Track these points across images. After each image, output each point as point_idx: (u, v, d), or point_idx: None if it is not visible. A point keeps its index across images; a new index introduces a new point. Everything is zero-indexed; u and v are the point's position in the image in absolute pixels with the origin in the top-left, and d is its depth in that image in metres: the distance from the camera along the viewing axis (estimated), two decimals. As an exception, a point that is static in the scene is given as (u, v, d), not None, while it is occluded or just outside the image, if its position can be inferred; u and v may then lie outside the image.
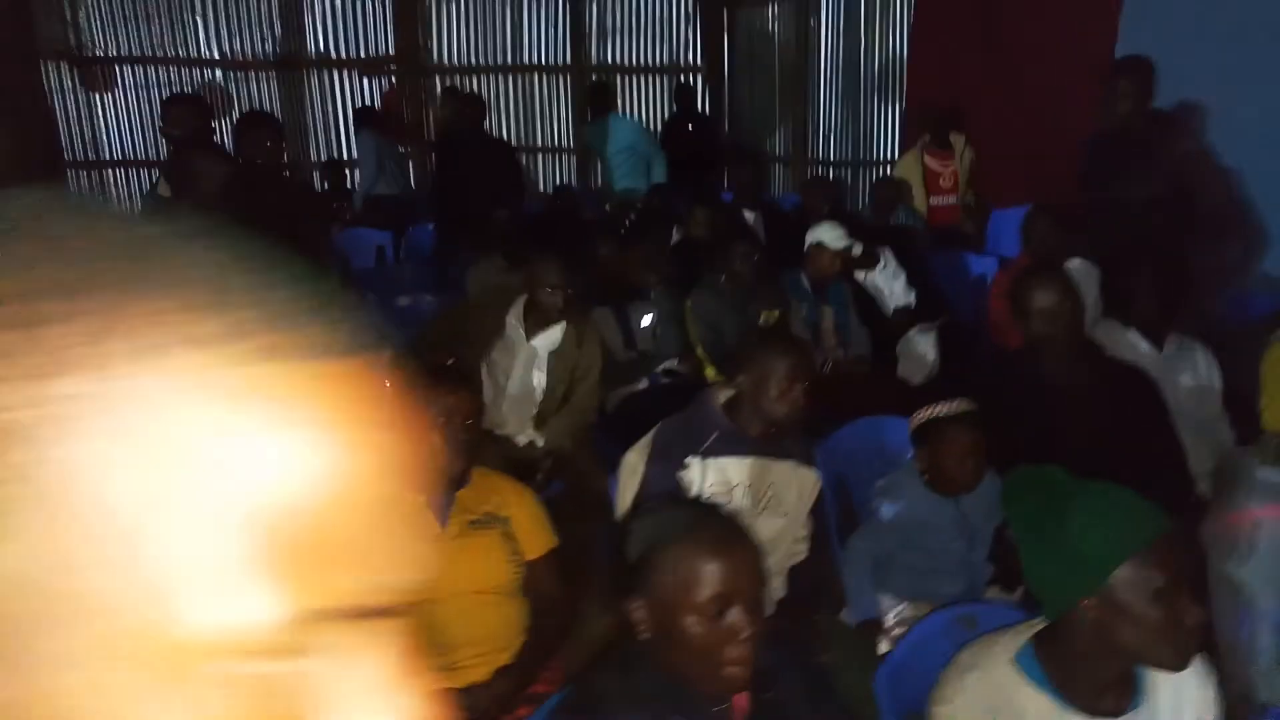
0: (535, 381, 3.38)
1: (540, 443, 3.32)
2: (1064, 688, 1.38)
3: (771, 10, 8.49)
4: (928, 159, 5.62)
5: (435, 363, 2.20)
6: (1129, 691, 1.41)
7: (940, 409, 2.38)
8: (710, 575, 1.21)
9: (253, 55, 7.88)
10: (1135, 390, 2.47)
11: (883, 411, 2.95)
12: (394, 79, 8.07)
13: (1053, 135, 5.24)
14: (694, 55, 8.94)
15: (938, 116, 5.66)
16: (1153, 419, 2.43)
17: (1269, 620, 1.75)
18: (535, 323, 3.36)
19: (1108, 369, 2.52)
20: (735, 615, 1.22)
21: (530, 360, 3.38)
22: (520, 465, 3.14)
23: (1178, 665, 1.35)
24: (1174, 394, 2.66)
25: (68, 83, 7.33)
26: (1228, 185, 4.32)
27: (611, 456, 3.15)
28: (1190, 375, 2.88)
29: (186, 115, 4.48)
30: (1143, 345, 2.84)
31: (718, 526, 1.29)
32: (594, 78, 8.35)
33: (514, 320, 3.38)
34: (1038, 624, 1.44)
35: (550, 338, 3.37)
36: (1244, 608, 1.74)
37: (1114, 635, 1.33)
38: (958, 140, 5.68)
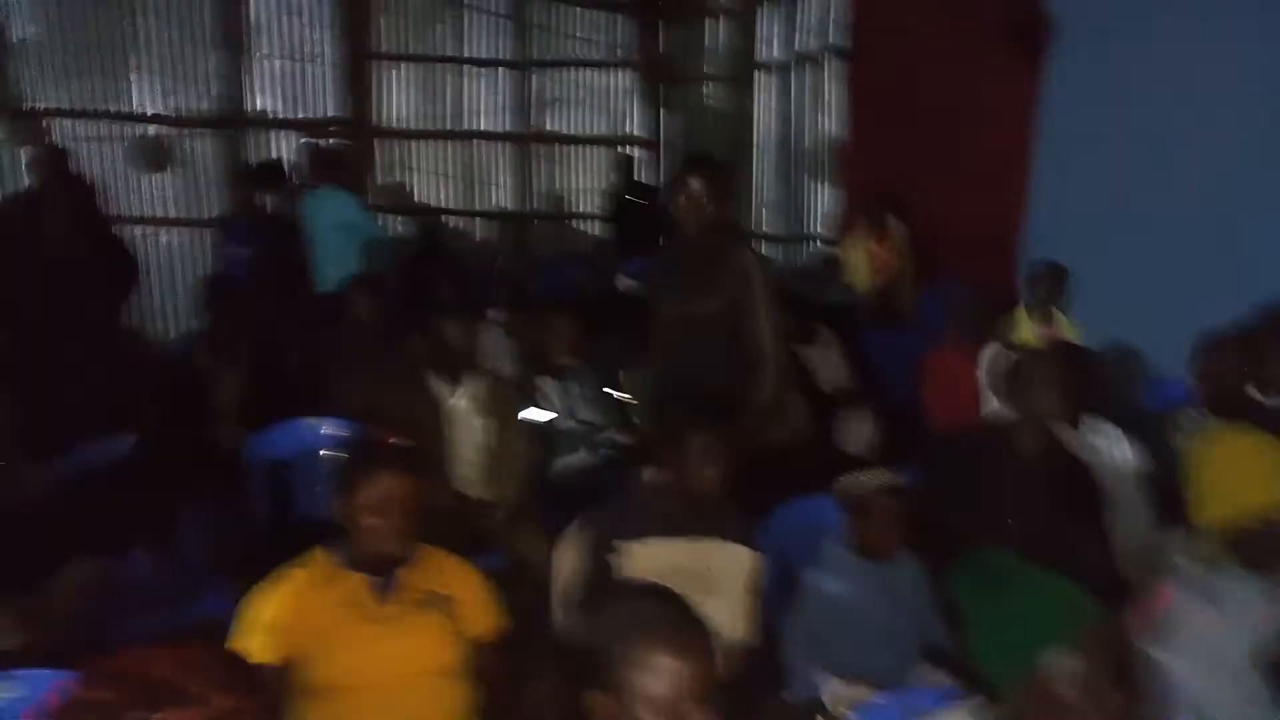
0: (478, 432, 3.40)
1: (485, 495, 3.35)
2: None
3: (709, 88, 8.78)
4: (871, 243, 5.80)
5: (375, 442, 2.19)
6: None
7: (864, 478, 2.46)
8: (669, 671, 1.24)
9: (191, 112, 7.83)
10: (1081, 475, 2.58)
11: (821, 487, 3.02)
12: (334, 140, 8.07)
13: (980, 212, 5.49)
14: (633, 127, 9.17)
15: (875, 201, 5.85)
16: (1091, 504, 2.54)
17: (1189, 702, 1.83)
18: (449, 376, 3.44)
19: (1062, 453, 2.63)
20: (691, 709, 1.24)
21: (464, 415, 3.41)
22: (477, 527, 3.16)
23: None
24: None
25: (1, 134, 7.17)
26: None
27: (556, 526, 3.20)
28: (1107, 455, 3.02)
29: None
30: (1071, 431, 2.96)
31: (676, 620, 1.32)
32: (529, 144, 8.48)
33: (435, 382, 3.42)
34: (976, 704, 1.50)
35: (469, 389, 3.45)
36: (1166, 690, 1.82)
37: (1044, 718, 1.39)
38: (896, 225, 5.87)
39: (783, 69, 7.83)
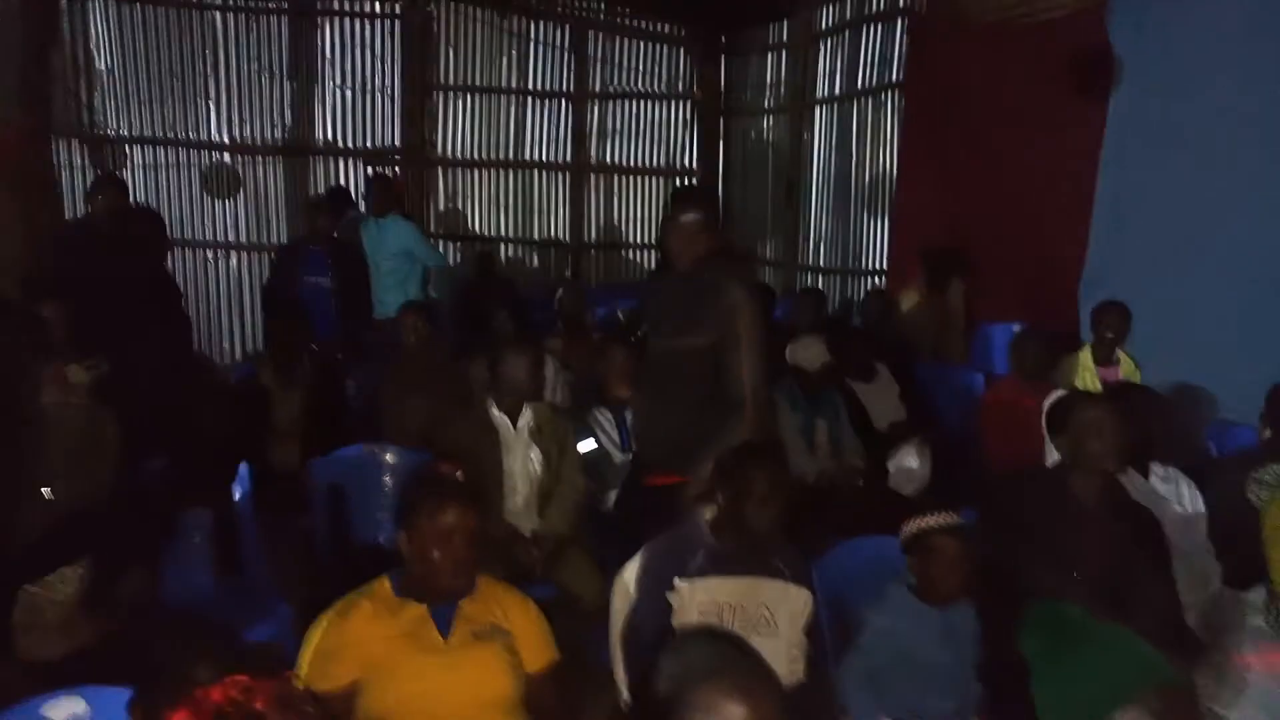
0: (533, 463, 3.44)
1: (537, 528, 3.40)
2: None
3: (766, 121, 8.83)
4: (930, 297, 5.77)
5: (440, 477, 2.22)
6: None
7: (930, 520, 2.44)
8: (734, 717, 1.24)
9: (261, 141, 8.08)
10: (1144, 523, 2.53)
11: (876, 525, 3.00)
12: (399, 169, 8.27)
13: (1039, 253, 5.42)
14: (690, 159, 9.24)
15: (939, 261, 5.80)
16: (1155, 553, 2.49)
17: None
18: (508, 407, 3.47)
19: (1124, 499, 2.59)
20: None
21: (521, 445, 3.45)
22: (518, 563, 3.19)
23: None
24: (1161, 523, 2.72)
25: (78, 160, 7.47)
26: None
27: (606, 558, 3.22)
28: (1176, 505, 2.96)
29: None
30: (1136, 478, 2.91)
31: (743, 666, 1.32)
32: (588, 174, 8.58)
33: (496, 412, 3.46)
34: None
35: (527, 419, 3.49)
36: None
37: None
38: (957, 285, 5.82)
39: (840, 102, 7.85)
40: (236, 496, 3.29)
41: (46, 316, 3.28)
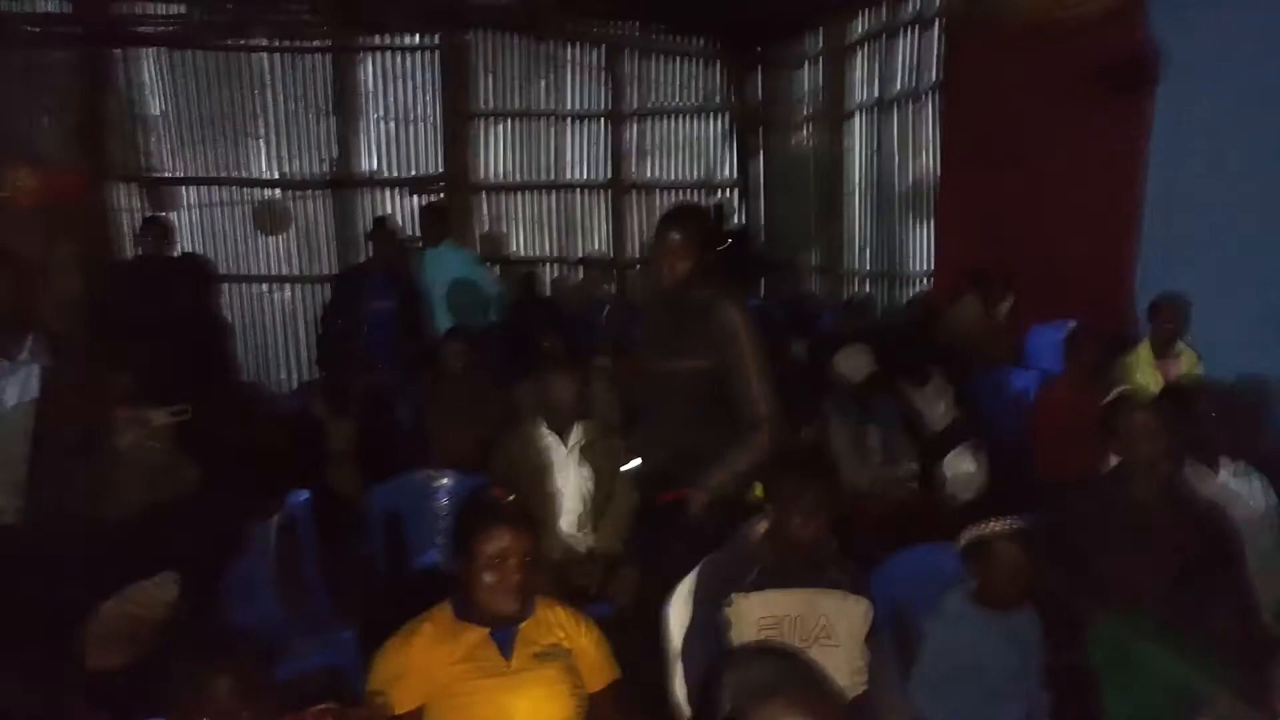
0: (585, 482, 3.47)
1: (590, 544, 3.41)
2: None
3: (804, 131, 8.81)
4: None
5: (493, 501, 2.24)
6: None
7: (990, 526, 2.40)
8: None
9: (308, 175, 8.27)
10: (1213, 521, 2.48)
11: (931, 532, 2.97)
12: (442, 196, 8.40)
13: (1087, 253, 5.33)
14: (729, 171, 9.26)
15: (990, 282, 5.72)
16: (1226, 551, 2.43)
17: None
18: (558, 426, 3.50)
19: (1188, 499, 2.53)
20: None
21: (572, 464, 3.47)
22: (573, 583, 3.20)
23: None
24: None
25: (135, 203, 7.71)
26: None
27: (658, 576, 3.22)
28: (1249, 501, 2.88)
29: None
30: (1206, 475, 2.84)
31: (804, 681, 1.32)
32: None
33: (545, 432, 3.49)
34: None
35: (577, 437, 3.52)
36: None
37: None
38: (1005, 304, 5.75)
39: (877, 109, 7.81)
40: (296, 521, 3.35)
41: (121, 359, 3.38)
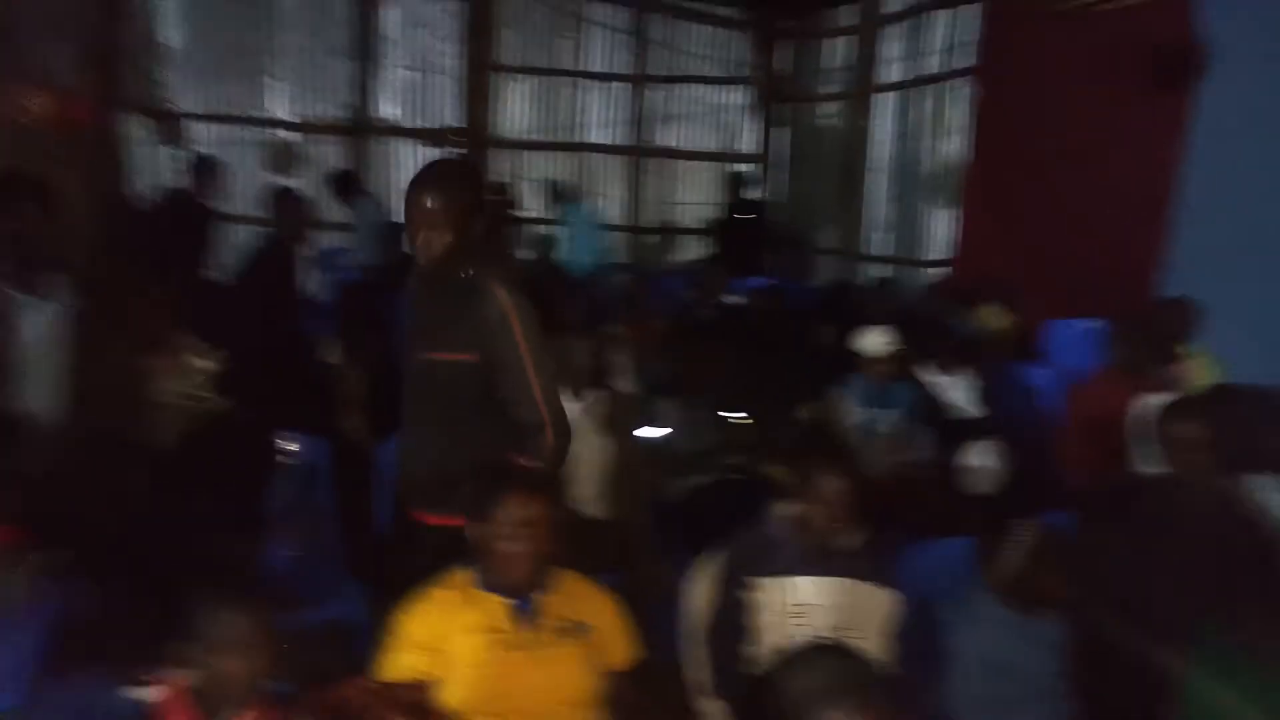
0: (601, 451, 3.41)
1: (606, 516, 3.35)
2: None
3: (828, 107, 8.68)
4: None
5: (511, 466, 2.16)
6: None
7: (1023, 531, 2.35)
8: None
9: (321, 118, 8.12)
10: (1256, 536, 2.41)
11: (948, 524, 2.92)
12: (456, 150, 8.27)
13: (1112, 250, 5.25)
14: (751, 144, 9.12)
15: (1010, 292, 5.63)
16: (1270, 567, 2.37)
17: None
18: (574, 392, 3.40)
19: (1229, 510, 2.47)
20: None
21: (588, 433, 3.41)
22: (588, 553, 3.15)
23: None
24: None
25: (143, 134, 7.55)
26: None
27: (671, 547, 3.18)
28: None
29: None
30: (1259, 485, 2.77)
31: (861, 683, 1.27)
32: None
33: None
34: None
35: (590, 406, 3.44)
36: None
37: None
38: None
39: (903, 89, 7.68)
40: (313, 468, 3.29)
41: (160, 301, 3.24)
